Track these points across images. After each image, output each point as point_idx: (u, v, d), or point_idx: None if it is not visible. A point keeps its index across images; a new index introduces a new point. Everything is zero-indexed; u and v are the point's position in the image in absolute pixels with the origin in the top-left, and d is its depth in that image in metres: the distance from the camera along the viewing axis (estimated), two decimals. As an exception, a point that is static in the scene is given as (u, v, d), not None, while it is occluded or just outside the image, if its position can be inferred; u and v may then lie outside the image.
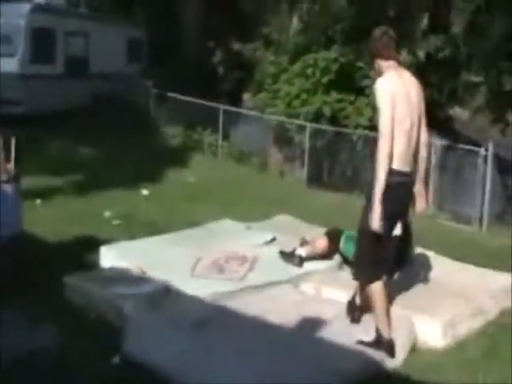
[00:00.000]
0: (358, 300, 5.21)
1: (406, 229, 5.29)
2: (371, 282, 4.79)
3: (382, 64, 4.76)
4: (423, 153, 4.89)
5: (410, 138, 4.66)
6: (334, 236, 6.40)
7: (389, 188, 4.50)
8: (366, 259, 4.83)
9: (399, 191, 4.64)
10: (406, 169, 4.67)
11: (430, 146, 4.97)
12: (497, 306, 6.00)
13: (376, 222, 4.51)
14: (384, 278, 4.86)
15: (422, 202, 5.07)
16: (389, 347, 4.72)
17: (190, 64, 20.17)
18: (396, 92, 4.58)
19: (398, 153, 4.57)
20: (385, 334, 4.75)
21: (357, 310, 5.18)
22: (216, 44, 20.87)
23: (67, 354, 4.42)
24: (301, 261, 6.24)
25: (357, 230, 4.91)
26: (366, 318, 5.12)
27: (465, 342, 5.27)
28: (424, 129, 4.86)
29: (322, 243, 6.37)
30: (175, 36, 21.11)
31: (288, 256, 6.31)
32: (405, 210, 4.99)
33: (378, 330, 4.77)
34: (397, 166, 4.57)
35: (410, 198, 4.91)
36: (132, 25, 21.06)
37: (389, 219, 4.62)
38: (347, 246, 6.16)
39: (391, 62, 4.75)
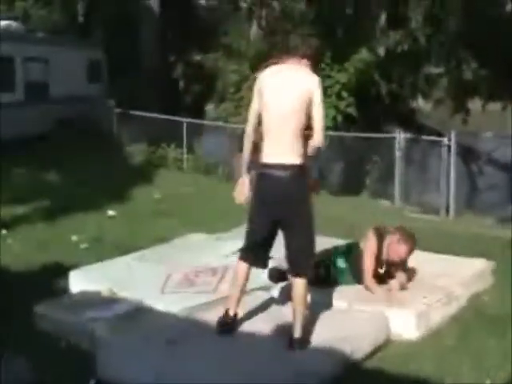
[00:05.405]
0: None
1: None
2: (239, 258, 4.96)
3: None
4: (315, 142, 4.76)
5: (279, 131, 4.68)
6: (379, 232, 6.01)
7: (256, 178, 4.79)
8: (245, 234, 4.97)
9: (261, 181, 4.75)
10: (271, 161, 4.69)
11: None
12: (468, 291, 6.10)
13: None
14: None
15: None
16: (226, 320, 4.91)
17: (151, 80, 20.15)
18: (264, 86, 4.78)
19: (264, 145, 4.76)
20: (230, 309, 4.93)
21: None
22: (176, 57, 20.85)
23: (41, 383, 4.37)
24: None
25: None
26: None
27: (438, 330, 5.34)
28: (317, 118, 4.73)
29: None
30: (135, 53, 21.09)
31: None
32: (277, 206, 4.72)
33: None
34: (262, 157, 4.75)
35: (281, 192, 4.69)
36: (90, 45, 21.01)
37: (257, 206, 4.80)
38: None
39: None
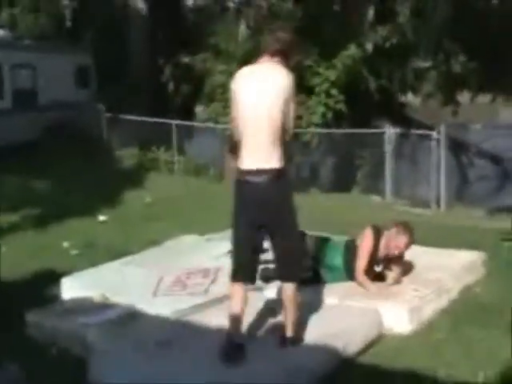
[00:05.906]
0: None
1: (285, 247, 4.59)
2: (231, 280, 4.62)
3: None
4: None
5: (255, 135, 4.41)
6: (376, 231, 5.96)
7: (235, 186, 4.52)
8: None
9: (240, 188, 4.50)
10: (248, 167, 4.44)
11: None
12: (459, 283, 6.13)
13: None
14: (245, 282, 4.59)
15: None
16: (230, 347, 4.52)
17: (140, 83, 20.10)
18: (237, 89, 4.49)
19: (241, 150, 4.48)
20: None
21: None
22: (165, 60, 20.80)
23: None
24: None
25: None
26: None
27: (431, 324, 5.35)
28: (290, 116, 4.52)
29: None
30: (123, 56, 21.04)
31: None
32: (259, 212, 4.48)
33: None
34: (240, 163, 4.48)
35: (259, 197, 4.44)
36: (78, 50, 20.94)
37: (239, 214, 4.54)
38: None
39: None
